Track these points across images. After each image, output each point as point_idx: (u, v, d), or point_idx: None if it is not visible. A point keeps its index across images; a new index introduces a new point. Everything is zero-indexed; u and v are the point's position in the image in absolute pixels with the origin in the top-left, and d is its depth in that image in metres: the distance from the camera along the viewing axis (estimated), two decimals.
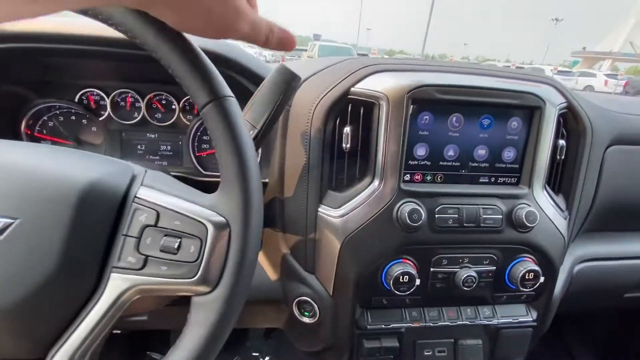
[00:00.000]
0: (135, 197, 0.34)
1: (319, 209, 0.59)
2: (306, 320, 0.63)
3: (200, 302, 0.32)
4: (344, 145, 0.56)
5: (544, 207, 0.60)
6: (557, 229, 0.61)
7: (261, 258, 0.69)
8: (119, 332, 0.91)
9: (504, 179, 0.60)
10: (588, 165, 0.65)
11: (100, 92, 0.70)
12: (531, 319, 0.66)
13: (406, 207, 0.54)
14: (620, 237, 0.81)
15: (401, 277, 0.55)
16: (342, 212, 0.57)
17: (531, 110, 0.58)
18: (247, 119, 0.47)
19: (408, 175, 0.58)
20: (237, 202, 0.32)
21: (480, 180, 0.60)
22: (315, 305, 0.62)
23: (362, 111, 0.56)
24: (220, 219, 0.32)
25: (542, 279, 0.59)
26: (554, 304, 0.68)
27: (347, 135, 0.56)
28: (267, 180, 0.65)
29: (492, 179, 0.60)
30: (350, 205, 0.57)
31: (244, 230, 0.32)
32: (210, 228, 0.32)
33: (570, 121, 0.63)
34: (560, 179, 0.65)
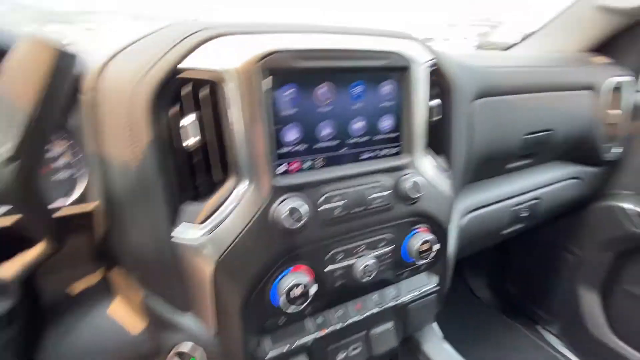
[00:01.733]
0: None
1: (175, 230, 0.44)
2: None
3: None
4: (186, 141, 0.42)
5: (428, 173, 0.57)
6: (443, 191, 0.60)
7: (114, 309, 0.51)
8: None
9: (385, 151, 0.55)
10: (460, 121, 0.65)
11: None
12: (434, 285, 0.66)
13: (284, 206, 0.44)
14: (491, 183, 0.88)
15: (293, 290, 0.45)
16: (208, 229, 0.44)
17: (401, 71, 0.52)
18: None
19: (282, 166, 0.47)
20: None
21: (361, 157, 0.53)
22: (199, 349, 0.48)
23: (203, 92, 0.42)
24: None
25: (437, 246, 0.58)
26: (450, 263, 0.69)
27: (188, 128, 0.42)
28: (92, 205, 0.46)
29: (374, 154, 0.54)
30: (216, 217, 0.44)
31: None
32: None
33: (439, 79, 0.61)
34: (439, 140, 0.64)
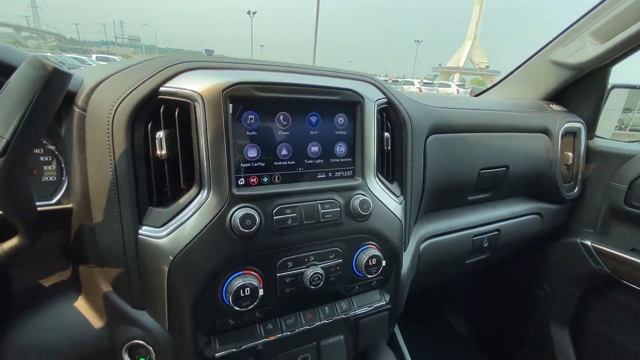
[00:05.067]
0: None
1: (140, 231, 0.50)
2: None
3: None
4: (158, 152, 0.49)
5: (378, 195, 0.64)
6: (393, 213, 0.66)
7: (80, 303, 0.55)
8: None
9: (340, 173, 0.62)
10: (413, 154, 0.72)
11: None
12: (385, 302, 0.69)
13: (239, 213, 0.50)
14: (451, 213, 0.94)
15: (241, 290, 0.50)
16: (168, 231, 0.49)
17: (353, 106, 0.61)
18: None
19: (242, 179, 0.54)
20: None
21: (318, 176, 0.60)
22: (150, 348, 0.52)
23: (177, 113, 0.50)
24: None
25: (384, 263, 0.62)
26: (403, 284, 0.73)
27: (161, 141, 0.49)
28: (70, 205, 0.52)
29: (329, 174, 0.61)
30: (177, 221, 0.50)
31: None
32: None
33: (392, 115, 0.69)
34: (393, 168, 0.71)
